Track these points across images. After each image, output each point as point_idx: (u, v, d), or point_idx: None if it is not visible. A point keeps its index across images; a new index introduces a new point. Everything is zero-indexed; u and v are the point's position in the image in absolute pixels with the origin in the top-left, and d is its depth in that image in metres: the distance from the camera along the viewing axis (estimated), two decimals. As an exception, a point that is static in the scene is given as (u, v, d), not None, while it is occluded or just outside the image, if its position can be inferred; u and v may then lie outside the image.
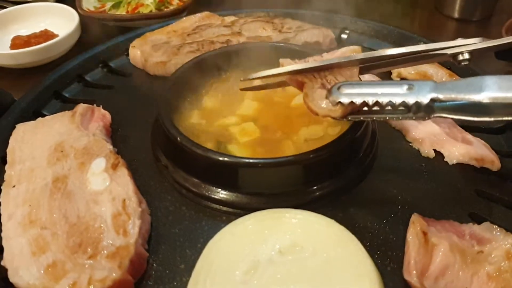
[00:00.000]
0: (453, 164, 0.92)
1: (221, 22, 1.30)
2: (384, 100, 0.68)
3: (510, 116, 0.66)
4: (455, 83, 0.68)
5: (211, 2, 1.69)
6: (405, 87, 0.69)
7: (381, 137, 0.96)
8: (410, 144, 0.97)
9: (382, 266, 0.74)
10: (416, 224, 0.73)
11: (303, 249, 0.71)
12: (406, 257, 0.72)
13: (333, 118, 0.73)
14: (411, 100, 0.67)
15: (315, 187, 0.83)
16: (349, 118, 0.74)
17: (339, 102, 0.70)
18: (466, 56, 0.76)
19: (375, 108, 0.70)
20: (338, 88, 0.72)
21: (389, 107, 0.69)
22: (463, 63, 0.77)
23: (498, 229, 0.74)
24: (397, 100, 0.67)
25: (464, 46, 0.76)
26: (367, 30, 1.34)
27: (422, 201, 0.85)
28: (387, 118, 0.73)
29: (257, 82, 0.92)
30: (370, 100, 0.69)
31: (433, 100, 0.66)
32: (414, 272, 0.69)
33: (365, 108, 0.70)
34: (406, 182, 0.88)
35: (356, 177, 0.88)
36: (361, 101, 0.69)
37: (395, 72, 1.14)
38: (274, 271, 0.68)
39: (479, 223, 0.77)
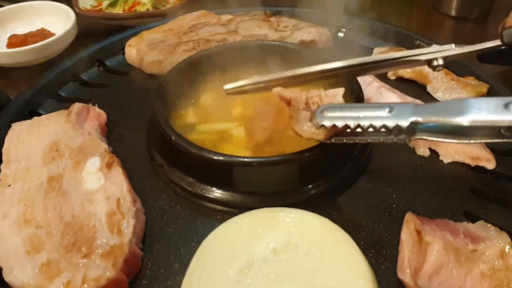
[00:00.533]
0: (448, 162, 0.92)
1: (217, 21, 1.30)
2: (365, 123, 0.70)
3: (489, 138, 0.68)
4: (435, 106, 0.69)
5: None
6: (386, 110, 0.70)
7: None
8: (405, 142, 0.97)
9: (376, 264, 0.74)
10: (410, 223, 0.73)
11: (297, 248, 0.71)
12: (400, 256, 0.72)
13: (317, 140, 0.76)
14: (391, 123, 0.69)
15: (310, 186, 0.83)
16: (332, 140, 0.76)
17: (322, 125, 0.72)
18: (440, 62, 0.79)
19: (358, 130, 0.71)
20: (322, 112, 0.73)
21: (371, 129, 0.70)
22: (437, 69, 0.80)
23: (492, 227, 0.74)
24: (378, 124, 0.69)
25: (438, 52, 0.79)
26: (363, 29, 1.33)
27: (416, 199, 0.85)
28: (369, 140, 0.74)
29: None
30: (352, 124, 0.70)
31: (413, 123, 0.68)
32: (408, 271, 0.69)
33: (348, 130, 0.72)
34: (401, 181, 0.88)
35: (351, 176, 0.88)
36: (343, 124, 0.71)
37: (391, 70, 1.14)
38: (268, 270, 0.68)
39: (474, 221, 0.77)
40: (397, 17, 1.58)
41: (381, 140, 0.73)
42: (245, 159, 0.80)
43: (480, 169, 0.90)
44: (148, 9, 1.52)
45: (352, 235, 0.73)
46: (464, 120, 0.64)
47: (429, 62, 0.80)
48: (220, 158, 0.80)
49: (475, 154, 0.91)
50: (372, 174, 0.90)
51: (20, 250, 0.74)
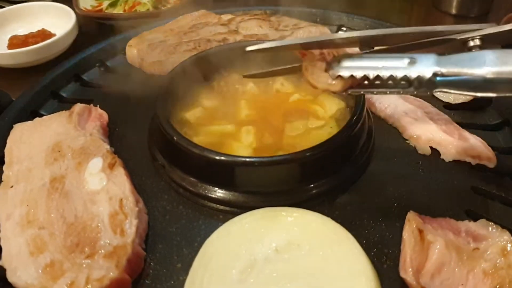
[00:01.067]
0: (449, 161, 0.93)
1: (218, 21, 1.30)
2: (385, 74, 0.66)
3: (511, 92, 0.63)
4: (458, 57, 0.65)
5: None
6: (407, 60, 0.66)
7: (378, 135, 0.96)
8: (407, 141, 0.97)
9: (378, 263, 0.75)
10: (411, 222, 0.73)
11: (299, 247, 0.71)
12: (402, 254, 0.72)
13: (333, 92, 0.71)
14: (413, 74, 0.65)
15: (312, 186, 0.83)
16: (349, 92, 0.71)
17: (339, 75, 0.68)
18: (478, 42, 0.71)
19: (376, 82, 0.68)
20: (338, 62, 0.69)
21: (390, 82, 0.67)
22: (473, 50, 0.71)
23: (494, 226, 0.74)
24: (399, 74, 0.65)
25: (476, 31, 0.71)
26: (364, 27, 1.33)
27: (418, 198, 0.86)
28: (388, 92, 0.70)
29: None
30: (371, 74, 0.66)
31: (435, 75, 0.64)
32: (410, 269, 0.69)
33: (366, 82, 0.68)
34: (402, 180, 0.89)
35: (353, 175, 0.88)
36: (362, 74, 0.66)
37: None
38: (270, 269, 0.69)
39: (475, 220, 0.77)
40: (397, 15, 1.58)
41: (401, 92, 0.69)
42: (247, 159, 0.80)
43: (481, 167, 0.91)
44: (148, 9, 1.52)
45: (354, 234, 0.73)
46: (488, 71, 0.61)
47: (464, 42, 0.71)
48: (222, 158, 0.80)
49: (476, 152, 0.91)
50: (374, 173, 0.90)
51: (23, 251, 0.75)
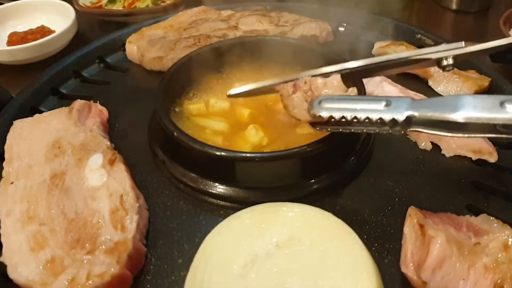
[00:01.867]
0: (450, 156, 0.93)
1: (218, 16, 1.30)
2: (362, 116, 0.71)
3: (483, 133, 0.69)
4: (431, 102, 0.71)
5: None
6: (383, 103, 0.71)
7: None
8: (408, 136, 0.97)
9: (379, 258, 0.75)
10: (412, 217, 0.73)
11: (300, 242, 0.71)
12: (403, 249, 0.72)
13: (312, 127, 0.78)
14: (387, 116, 0.70)
15: (312, 181, 0.83)
16: (328, 129, 0.77)
17: (319, 115, 0.73)
18: (450, 61, 0.79)
19: (354, 121, 0.72)
20: (319, 102, 0.74)
21: (366, 121, 0.71)
22: (447, 69, 0.80)
23: (495, 220, 0.74)
24: (375, 116, 0.70)
25: (447, 51, 0.78)
26: (364, 23, 1.33)
27: (419, 193, 0.85)
28: (364, 130, 0.75)
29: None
30: (349, 116, 0.72)
31: (409, 117, 0.69)
32: (411, 264, 0.69)
33: (343, 120, 0.73)
34: (403, 175, 0.89)
35: (354, 170, 0.88)
36: (340, 115, 0.72)
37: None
38: (271, 264, 0.69)
39: (476, 215, 0.77)
40: (398, 11, 1.58)
41: (377, 130, 0.74)
42: (248, 155, 0.80)
43: (482, 163, 0.91)
44: (148, 6, 1.52)
45: (355, 229, 0.73)
46: (459, 116, 0.66)
47: (438, 62, 0.80)
48: (223, 153, 0.80)
49: (477, 147, 0.91)
50: (374, 168, 0.90)
51: (24, 247, 0.74)
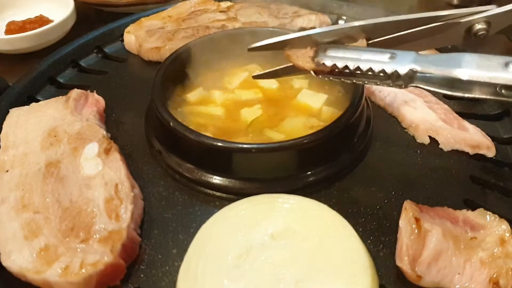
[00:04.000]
0: (448, 151, 0.92)
1: (217, 8, 1.29)
2: (365, 66, 0.70)
3: (485, 95, 0.67)
4: (436, 57, 0.68)
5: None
6: (388, 55, 0.70)
7: (376, 123, 0.95)
8: (405, 130, 0.96)
9: (375, 251, 0.74)
10: (408, 210, 0.73)
11: (295, 233, 0.71)
12: (398, 243, 0.72)
13: (315, 74, 0.75)
14: (390, 69, 0.68)
15: (309, 173, 0.83)
16: (331, 78, 0.75)
17: (323, 63, 0.72)
18: (483, 25, 0.71)
19: (357, 72, 0.71)
20: (324, 50, 0.73)
21: (369, 73, 0.70)
22: (480, 34, 0.71)
23: (492, 215, 0.74)
24: (377, 68, 0.69)
25: (480, 13, 0.70)
26: (364, 16, 1.32)
27: (416, 187, 0.85)
28: (366, 82, 0.74)
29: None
30: (352, 65, 0.70)
31: (412, 71, 0.67)
32: (406, 258, 0.68)
33: (346, 71, 0.72)
34: (400, 169, 0.88)
35: (350, 163, 0.87)
36: (343, 65, 0.71)
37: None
38: (266, 255, 0.68)
39: (473, 209, 0.77)
40: (398, 5, 1.57)
41: (378, 83, 0.72)
42: (244, 145, 0.80)
43: (480, 157, 0.90)
44: (148, -4, 1.51)
45: (351, 221, 0.73)
46: (463, 74, 0.64)
47: (469, 28, 0.71)
48: (219, 144, 0.79)
49: (475, 142, 0.90)
50: (372, 161, 0.89)
51: (18, 235, 0.74)
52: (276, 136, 0.88)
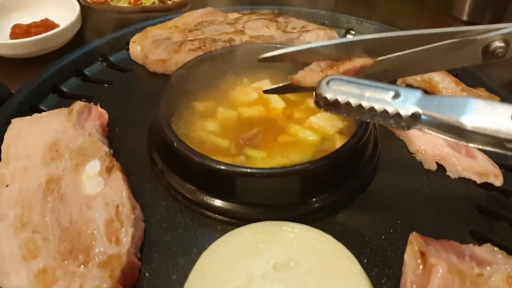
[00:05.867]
0: (455, 178, 0.90)
1: (224, 19, 1.27)
2: (367, 104, 0.67)
3: (489, 146, 0.63)
4: (441, 100, 0.65)
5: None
6: (391, 93, 0.66)
7: (383, 147, 0.94)
8: (413, 155, 0.95)
9: (379, 284, 0.73)
10: (414, 244, 0.71)
11: (298, 265, 0.69)
12: (403, 277, 0.71)
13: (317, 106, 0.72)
14: (392, 110, 0.65)
15: (314, 200, 0.81)
16: (332, 111, 0.71)
17: (325, 97, 0.69)
18: (501, 43, 0.68)
19: (358, 109, 0.68)
20: (327, 83, 0.70)
21: (371, 111, 0.67)
22: (498, 53, 0.69)
23: (499, 251, 0.72)
24: (380, 107, 0.66)
25: (498, 30, 0.68)
26: (373, 32, 1.30)
27: (422, 216, 0.83)
28: (368, 119, 0.70)
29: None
30: (353, 102, 0.67)
31: (414, 115, 0.64)
32: (411, 293, 0.67)
33: (348, 107, 0.69)
34: (406, 196, 0.87)
35: (356, 190, 0.86)
36: (345, 100, 0.68)
37: (400, 78, 1.12)
38: (268, 287, 0.67)
39: (480, 241, 0.76)
40: (407, 20, 1.55)
41: (380, 121, 0.69)
42: (248, 170, 0.78)
43: (487, 186, 0.89)
44: (154, 2, 1.49)
45: (355, 252, 0.71)
46: (467, 123, 0.60)
47: (486, 45, 0.68)
48: (222, 167, 0.78)
49: (482, 170, 0.89)
50: (378, 188, 0.88)
51: (16, 254, 0.73)
52: (257, 154, 0.87)
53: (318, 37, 1.17)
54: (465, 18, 1.54)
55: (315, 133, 0.92)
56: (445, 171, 0.92)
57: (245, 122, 0.94)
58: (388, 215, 0.83)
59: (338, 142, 0.88)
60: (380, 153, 0.92)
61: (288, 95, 0.98)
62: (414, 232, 0.75)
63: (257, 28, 1.21)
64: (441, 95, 1.04)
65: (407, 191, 0.88)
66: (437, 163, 0.92)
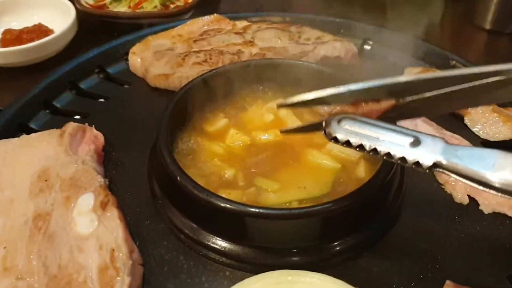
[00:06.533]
0: (489, 213, 0.81)
1: (232, 28, 1.17)
2: (383, 149, 0.60)
3: None
4: (466, 152, 0.57)
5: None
6: (410, 140, 0.59)
7: (410, 179, 0.84)
8: (442, 187, 0.85)
9: None
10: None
11: (319, 326, 0.60)
12: None
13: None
14: (412, 157, 0.58)
15: (335, 243, 0.72)
16: (344, 145, 0.63)
17: (335, 137, 0.62)
18: None
19: (373, 151, 0.61)
20: (339, 121, 0.63)
21: (388, 156, 0.60)
22: None
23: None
24: (397, 153, 0.59)
25: None
26: (392, 42, 1.21)
27: (455, 259, 0.74)
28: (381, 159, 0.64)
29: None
30: (368, 145, 0.60)
31: (435, 165, 0.57)
32: None
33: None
34: (437, 235, 0.77)
35: (381, 229, 0.76)
36: (358, 143, 0.61)
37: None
38: None
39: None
40: (428, 29, 1.45)
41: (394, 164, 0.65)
42: (260, 210, 0.68)
43: (525, 222, 0.79)
44: (155, 6, 1.39)
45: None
46: (494, 179, 0.54)
47: None
48: (231, 207, 0.68)
49: (519, 204, 0.80)
50: (405, 227, 0.78)
51: (-3, 306, 0.64)
52: (269, 185, 0.78)
53: (334, 49, 1.07)
54: (488, 27, 1.44)
55: (335, 159, 0.83)
56: (478, 205, 0.82)
57: (259, 147, 0.85)
58: (417, 259, 0.74)
59: (362, 170, 0.80)
60: (406, 186, 0.82)
61: (307, 117, 0.88)
62: (448, 281, 0.68)
63: (268, 38, 1.11)
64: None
65: (437, 228, 0.79)
66: (468, 196, 0.83)
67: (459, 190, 0.83)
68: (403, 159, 0.58)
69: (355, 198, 0.70)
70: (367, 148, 0.60)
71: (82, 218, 0.74)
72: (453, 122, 0.97)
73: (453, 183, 0.84)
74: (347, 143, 0.61)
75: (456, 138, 0.90)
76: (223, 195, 0.71)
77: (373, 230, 0.75)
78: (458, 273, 0.71)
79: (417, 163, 0.58)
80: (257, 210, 0.68)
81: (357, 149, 0.61)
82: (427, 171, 0.59)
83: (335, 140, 0.62)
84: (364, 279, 0.70)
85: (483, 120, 0.96)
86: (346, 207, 0.69)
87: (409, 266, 0.73)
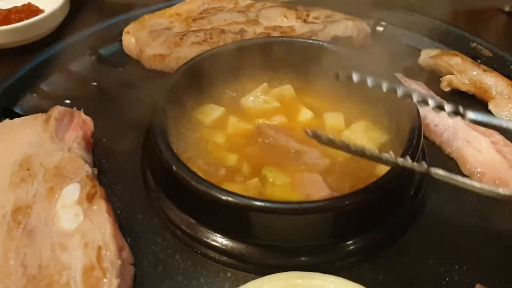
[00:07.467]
0: (518, 208, 0.73)
1: (234, 6, 1.09)
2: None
3: None
4: None
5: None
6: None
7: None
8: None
9: None
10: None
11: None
12: None
13: None
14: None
15: (350, 242, 0.64)
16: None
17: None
18: None
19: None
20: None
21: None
22: None
23: None
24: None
25: None
26: (406, 23, 1.13)
27: (483, 259, 0.67)
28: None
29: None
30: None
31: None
32: None
33: None
34: (462, 233, 0.69)
35: (400, 227, 0.68)
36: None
37: (444, 80, 0.94)
38: None
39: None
40: (441, 10, 1.36)
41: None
42: (267, 204, 0.60)
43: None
44: (154, -16, 1.31)
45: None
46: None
47: None
48: (234, 200, 0.60)
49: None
50: (427, 223, 0.70)
51: (-32, 311, 0.57)
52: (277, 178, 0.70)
53: (346, 29, 0.98)
54: (507, 8, 1.35)
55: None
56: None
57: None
58: (442, 258, 0.66)
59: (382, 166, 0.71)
60: (429, 177, 0.74)
61: (318, 105, 0.80)
62: (478, 285, 0.61)
63: (273, 17, 1.02)
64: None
65: (462, 226, 0.71)
66: (496, 188, 0.75)
67: (486, 182, 0.75)
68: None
69: (372, 192, 0.62)
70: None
71: (66, 211, 0.66)
72: (475, 107, 0.89)
73: (479, 175, 0.76)
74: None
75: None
76: (225, 187, 0.63)
77: (392, 227, 0.68)
78: (485, 274, 0.64)
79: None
80: (263, 204, 0.61)
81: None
82: None
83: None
84: (383, 281, 0.63)
85: (510, 106, 0.88)
86: (362, 201, 0.62)
87: (433, 267, 0.65)
